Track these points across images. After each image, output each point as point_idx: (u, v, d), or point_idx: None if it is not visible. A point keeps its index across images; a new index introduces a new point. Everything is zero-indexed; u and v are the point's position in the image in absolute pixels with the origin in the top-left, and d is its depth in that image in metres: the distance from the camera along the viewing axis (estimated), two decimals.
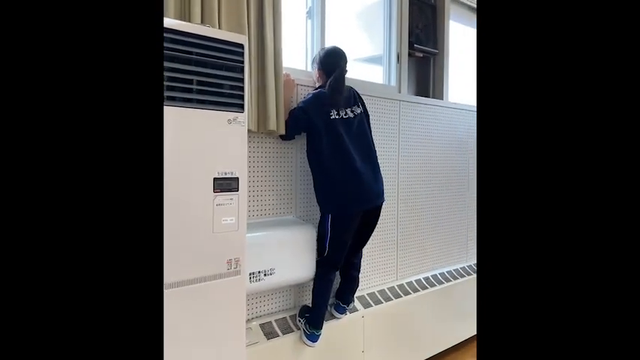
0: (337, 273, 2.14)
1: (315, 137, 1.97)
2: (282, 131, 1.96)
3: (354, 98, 2.09)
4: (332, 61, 2.03)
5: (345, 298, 2.21)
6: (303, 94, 2.16)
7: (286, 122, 1.96)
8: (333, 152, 1.95)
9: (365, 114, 2.14)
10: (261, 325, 2.01)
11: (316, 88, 2.07)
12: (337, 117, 1.97)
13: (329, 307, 2.20)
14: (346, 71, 2.04)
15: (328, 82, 1.98)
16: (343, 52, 2.06)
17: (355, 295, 2.33)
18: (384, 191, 2.13)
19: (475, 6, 3.44)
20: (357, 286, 2.24)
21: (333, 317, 2.21)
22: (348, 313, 2.26)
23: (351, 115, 2.03)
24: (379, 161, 2.13)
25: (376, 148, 2.14)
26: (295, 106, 2.03)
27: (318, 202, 2.05)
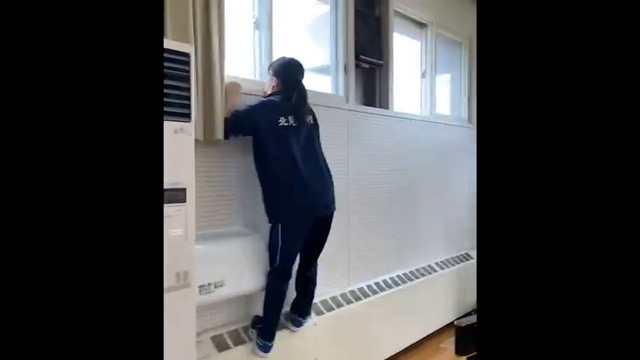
0: (291, 284, 2.13)
1: (261, 144, 1.96)
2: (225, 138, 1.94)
3: (308, 110, 2.11)
4: (292, 72, 2.06)
5: (302, 311, 2.20)
6: (249, 103, 2.16)
7: (226, 120, 1.92)
8: (280, 160, 1.95)
9: (315, 124, 2.16)
10: (212, 338, 1.97)
11: (267, 96, 2.07)
12: (286, 124, 1.97)
13: (285, 322, 2.19)
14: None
15: (293, 96, 1.99)
16: (301, 65, 2.10)
17: None
18: (335, 200, 2.15)
19: (417, 19, 3.57)
20: (313, 298, 2.24)
21: (284, 327, 2.20)
22: (304, 324, 2.24)
23: (301, 125, 2.03)
24: (331, 170, 2.15)
25: (327, 157, 2.16)
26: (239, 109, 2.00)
27: (266, 210, 2.02)
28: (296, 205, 1.97)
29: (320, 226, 2.10)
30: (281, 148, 1.95)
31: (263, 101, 2.03)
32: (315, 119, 2.16)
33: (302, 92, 2.04)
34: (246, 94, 2.11)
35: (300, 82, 2.06)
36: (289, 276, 2.07)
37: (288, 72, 2.06)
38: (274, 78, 2.07)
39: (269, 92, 2.09)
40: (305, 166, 1.99)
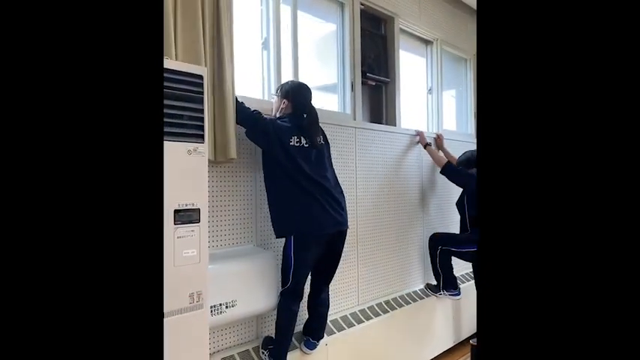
0: (302, 304, 2.11)
1: (272, 160, 1.97)
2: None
3: (320, 131, 2.13)
4: (303, 94, 2.09)
5: (315, 334, 2.18)
6: None
7: (242, 104, 1.96)
8: (289, 177, 1.95)
9: (326, 143, 2.17)
10: None
11: (278, 118, 2.08)
12: (297, 144, 1.99)
13: (298, 344, 2.17)
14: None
15: (304, 119, 2.04)
16: (309, 88, 2.14)
17: None
18: (347, 218, 2.13)
19: (422, 37, 3.61)
20: (326, 321, 2.23)
21: (296, 348, 2.18)
22: (317, 347, 2.21)
23: (312, 145, 2.04)
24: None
25: (335, 175, 2.17)
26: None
27: (274, 226, 2.01)
28: (308, 220, 1.96)
29: (332, 245, 2.09)
30: (291, 166, 1.96)
31: (278, 119, 2.06)
32: (325, 138, 2.17)
33: (313, 114, 2.08)
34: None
35: (310, 103, 2.10)
36: (301, 297, 2.05)
37: (300, 94, 2.09)
38: (284, 100, 2.09)
39: (277, 115, 2.11)
40: (316, 184, 1.99)
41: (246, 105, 1.98)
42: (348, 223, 2.15)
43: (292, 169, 1.96)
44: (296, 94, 2.08)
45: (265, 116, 2.00)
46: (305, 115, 2.06)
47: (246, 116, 1.95)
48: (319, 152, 2.08)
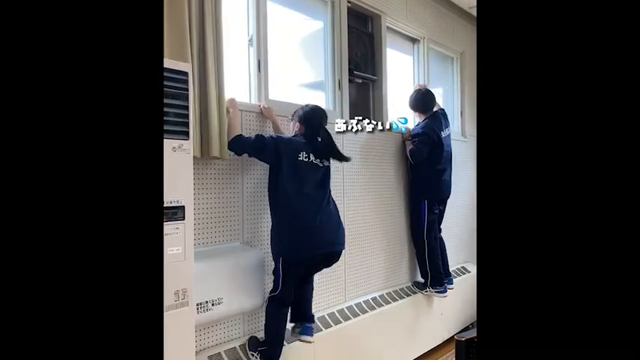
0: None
1: (279, 175, 1.98)
2: (226, 157, 1.95)
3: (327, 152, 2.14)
4: (316, 118, 2.13)
5: (308, 317, 2.16)
6: (247, 119, 2.17)
7: (244, 137, 1.97)
8: (293, 193, 1.97)
9: (329, 167, 2.17)
10: (210, 357, 1.95)
11: (293, 136, 2.12)
12: (305, 159, 2.01)
13: (297, 336, 2.15)
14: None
15: (319, 140, 2.08)
16: (325, 112, 2.18)
17: None
18: (344, 239, 2.16)
19: (410, 35, 3.62)
20: (311, 302, 2.22)
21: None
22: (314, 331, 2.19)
23: (320, 164, 2.07)
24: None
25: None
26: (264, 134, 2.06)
27: (271, 242, 2.05)
28: (300, 242, 1.97)
29: (322, 261, 2.12)
30: (296, 181, 1.98)
31: (288, 137, 2.09)
32: (329, 164, 2.18)
33: (326, 137, 2.11)
34: (241, 110, 2.13)
35: (324, 126, 2.13)
36: (290, 303, 2.06)
37: (313, 118, 2.13)
38: (298, 124, 2.13)
39: (293, 134, 2.16)
40: (315, 203, 2.02)
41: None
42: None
43: (297, 185, 1.97)
44: (308, 118, 2.13)
45: (270, 135, 2.04)
46: (319, 139, 2.09)
47: (252, 146, 1.98)
48: (325, 172, 2.11)
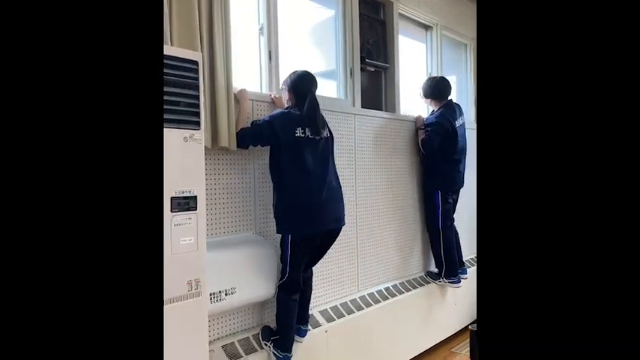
0: None
1: (278, 153, 1.97)
2: (234, 148, 1.93)
3: (321, 121, 2.10)
4: (303, 85, 2.05)
5: (302, 318, 2.15)
6: (258, 109, 2.16)
7: (243, 130, 1.95)
8: (294, 170, 1.95)
9: (331, 137, 2.15)
10: (224, 347, 1.95)
11: (285, 109, 2.07)
12: (302, 135, 1.97)
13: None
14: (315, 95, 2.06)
15: (304, 107, 1.99)
16: (314, 77, 2.09)
17: (318, 310, 2.31)
18: (345, 214, 2.14)
19: (422, 22, 3.56)
20: (309, 302, 2.21)
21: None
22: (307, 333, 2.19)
23: (317, 137, 2.03)
24: (337, 173, 2.14)
25: (334, 160, 2.15)
26: (258, 118, 2.02)
27: (276, 220, 2.03)
28: (307, 220, 1.97)
29: (327, 239, 2.12)
30: (296, 158, 1.96)
31: (282, 111, 2.04)
32: (330, 132, 2.15)
33: (312, 102, 2.02)
34: (252, 99, 2.12)
35: (312, 92, 2.05)
36: (299, 288, 2.05)
37: (300, 84, 2.05)
38: (287, 93, 2.08)
39: (286, 106, 2.10)
40: (319, 179, 2.00)
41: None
42: (346, 208, 2.14)
43: (298, 162, 1.95)
44: (297, 85, 2.05)
45: (264, 118, 1.99)
46: (305, 107, 2.00)
47: (250, 136, 1.95)
48: (325, 145, 2.07)
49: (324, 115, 2.17)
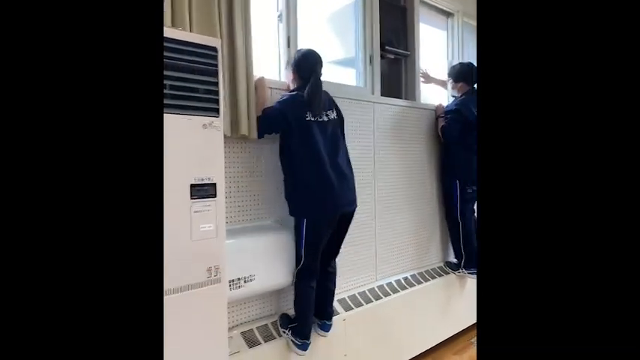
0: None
1: (289, 138, 1.95)
2: (254, 136, 1.92)
3: (328, 102, 2.08)
4: (307, 65, 1.99)
5: (326, 313, 2.15)
6: (276, 97, 2.14)
7: (258, 119, 1.93)
8: (305, 154, 1.93)
9: (340, 119, 2.12)
10: (243, 334, 1.97)
11: (291, 91, 2.04)
12: (312, 119, 1.95)
13: (314, 328, 2.15)
14: (321, 74, 2.01)
15: (306, 88, 1.94)
16: (319, 55, 2.03)
17: (337, 299, 2.31)
18: (357, 196, 2.12)
19: (443, 8, 3.50)
20: (334, 298, 2.21)
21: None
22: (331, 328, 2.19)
23: (326, 118, 2.01)
24: (356, 162, 2.12)
25: (353, 149, 2.13)
26: (270, 105, 1.99)
27: (289, 204, 2.02)
28: (322, 202, 1.95)
29: (342, 223, 2.10)
30: (307, 142, 1.93)
31: (291, 95, 1.99)
32: (339, 113, 2.12)
33: (316, 83, 1.96)
34: (271, 87, 2.10)
35: (316, 72, 1.98)
36: (316, 274, 2.05)
37: (304, 64, 2.00)
38: (291, 74, 2.04)
39: (292, 87, 2.06)
40: (330, 162, 1.97)
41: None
42: (365, 197, 2.12)
43: (308, 146, 1.93)
44: (300, 64, 2.00)
45: (274, 106, 1.95)
46: (308, 88, 1.95)
47: (265, 125, 1.93)
48: (334, 127, 2.04)
49: (342, 102, 2.14)
